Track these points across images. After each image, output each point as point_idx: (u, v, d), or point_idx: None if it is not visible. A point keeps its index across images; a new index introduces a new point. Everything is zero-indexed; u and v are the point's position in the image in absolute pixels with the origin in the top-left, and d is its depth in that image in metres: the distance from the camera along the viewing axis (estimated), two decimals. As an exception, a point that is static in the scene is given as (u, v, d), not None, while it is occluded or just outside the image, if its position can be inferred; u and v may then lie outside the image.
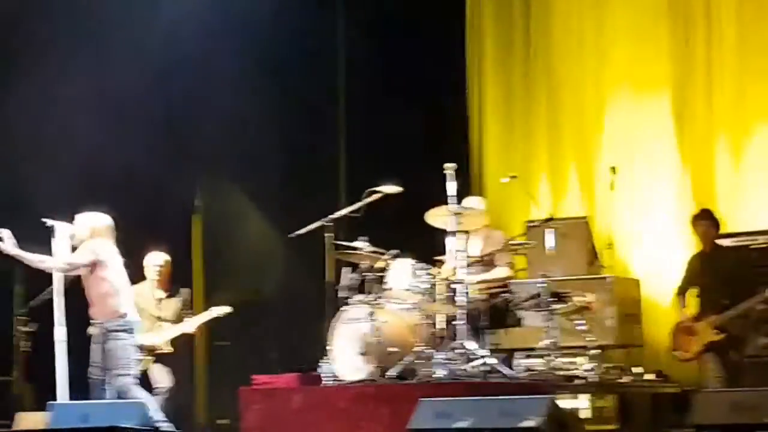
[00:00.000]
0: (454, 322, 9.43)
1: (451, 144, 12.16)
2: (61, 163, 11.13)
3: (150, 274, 10.97)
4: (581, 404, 8.80)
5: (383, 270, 9.83)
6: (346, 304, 9.70)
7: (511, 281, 10.22)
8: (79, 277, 9.58)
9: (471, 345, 9.33)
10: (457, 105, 12.91)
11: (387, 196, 10.01)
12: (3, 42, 11.36)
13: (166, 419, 9.55)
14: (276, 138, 12.59)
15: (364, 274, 9.82)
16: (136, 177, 11.43)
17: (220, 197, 12.82)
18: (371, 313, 9.43)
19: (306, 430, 9.15)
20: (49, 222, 9.45)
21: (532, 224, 10.89)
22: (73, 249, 9.56)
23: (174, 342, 10.83)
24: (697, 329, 9.99)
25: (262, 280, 12.77)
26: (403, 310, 9.67)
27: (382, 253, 9.85)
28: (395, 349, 9.37)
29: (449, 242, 9.66)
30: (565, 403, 8.39)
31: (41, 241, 9.49)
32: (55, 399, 9.14)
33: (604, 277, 11.00)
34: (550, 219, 10.26)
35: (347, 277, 9.83)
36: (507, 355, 10.13)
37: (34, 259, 9.43)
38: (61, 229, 9.48)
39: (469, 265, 9.61)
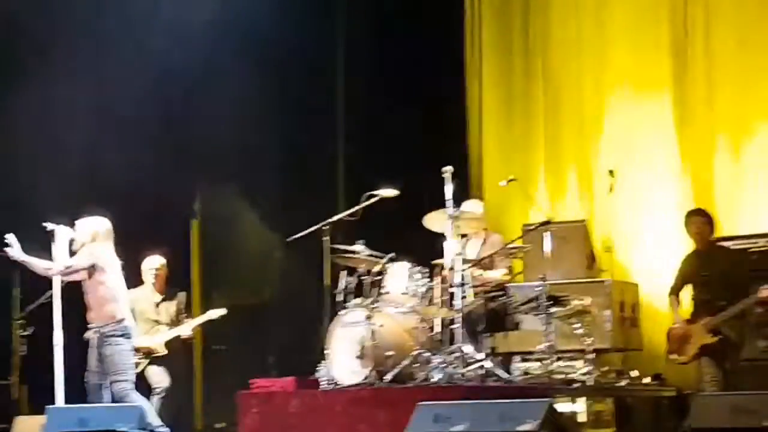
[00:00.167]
0: (451, 326, 9.42)
1: (450, 147, 12.13)
2: (60, 167, 11.14)
3: (147, 277, 11.01)
4: (579, 408, 8.79)
5: (381, 273, 9.82)
6: (344, 307, 9.69)
7: (509, 285, 10.22)
8: (78, 281, 9.58)
9: (468, 348, 9.33)
10: (456, 107, 12.89)
11: (385, 200, 10.01)
12: (5, 45, 11.36)
13: (162, 424, 9.55)
14: (274, 141, 12.59)
15: (361, 277, 9.82)
16: (136, 181, 11.43)
17: (218, 201, 12.82)
18: (369, 317, 9.42)
19: (303, 433, 9.16)
20: (50, 226, 9.45)
21: (530, 227, 10.87)
22: (73, 253, 9.56)
23: (170, 345, 10.83)
24: (691, 332, 9.92)
25: (260, 284, 12.77)
26: (401, 314, 9.65)
27: (380, 257, 9.84)
28: (393, 353, 9.35)
29: (447, 246, 9.65)
30: (562, 406, 8.37)
31: (43, 245, 9.49)
32: (53, 403, 9.11)
33: (603, 281, 10.98)
34: (548, 222, 10.23)
35: (345, 280, 9.83)
36: (505, 359, 10.10)
37: (40, 265, 9.44)
38: (61, 233, 9.47)
39: (467, 269, 9.60)
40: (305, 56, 12.52)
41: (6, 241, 9.37)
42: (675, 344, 10.04)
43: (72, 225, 9.60)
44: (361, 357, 9.36)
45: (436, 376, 9.12)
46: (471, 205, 10.41)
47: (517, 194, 11.65)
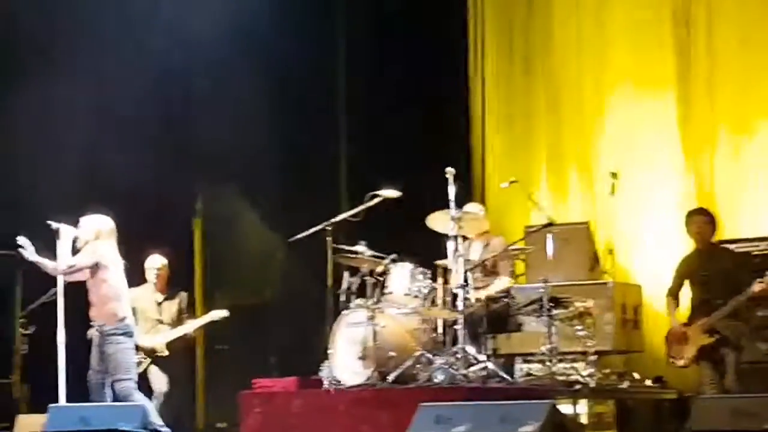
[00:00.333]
0: (454, 327, 9.42)
1: (452, 148, 12.13)
2: (63, 167, 11.14)
3: (149, 277, 11.01)
4: (580, 410, 8.79)
5: (383, 274, 9.83)
6: (346, 308, 9.69)
7: (512, 286, 10.21)
8: (83, 281, 9.59)
9: (471, 350, 9.33)
10: (458, 108, 12.88)
11: (387, 200, 10.01)
12: (6, 46, 11.36)
13: (163, 424, 9.56)
14: (276, 141, 12.58)
15: (364, 278, 9.82)
16: (138, 181, 11.43)
17: (221, 201, 12.82)
18: (371, 318, 9.42)
19: (306, 434, 9.17)
20: (54, 225, 9.45)
21: (532, 229, 10.86)
22: (76, 251, 9.57)
23: (171, 345, 10.85)
24: (688, 334, 9.87)
25: (262, 284, 12.77)
26: (403, 315, 9.66)
27: (382, 258, 9.85)
28: (395, 354, 9.36)
29: (450, 247, 9.65)
30: (564, 408, 8.37)
31: (45, 243, 9.50)
32: (54, 401, 9.12)
33: (605, 283, 10.99)
34: (551, 224, 10.23)
35: (347, 281, 9.83)
36: (507, 360, 10.10)
37: (50, 265, 9.47)
38: (65, 232, 9.48)
39: (470, 270, 9.60)
40: (306, 56, 12.51)
41: (18, 243, 9.38)
42: (673, 347, 9.99)
43: (75, 224, 9.61)
44: (363, 358, 9.37)
45: (438, 377, 9.13)
46: (474, 207, 10.40)
47: (519, 196, 11.64)
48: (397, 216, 10.34)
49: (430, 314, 9.65)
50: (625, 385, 10.10)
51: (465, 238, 10.00)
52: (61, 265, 9.45)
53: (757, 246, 10.74)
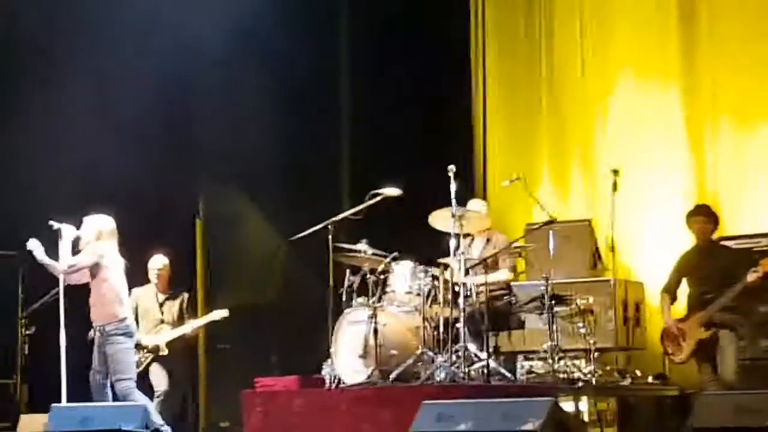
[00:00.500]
0: (455, 325, 9.42)
1: (454, 146, 12.13)
2: (64, 167, 11.14)
3: (151, 277, 11.02)
4: (582, 407, 8.78)
5: (385, 272, 9.82)
6: (348, 306, 9.69)
7: (513, 284, 10.21)
8: (85, 283, 9.60)
9: (472, 348, 9.33)
10: (461, 107, 12.89)
11: (389, 199, 10.00)
12: (6, 46, 11.37)
13: (163, 423, 9.56)
14: (278, 141, 12.58)
15: (365, 276, 9.81)
16: (140, 180, 11.44)
17: (222, 201, 12.82)
18: (372, 316, 9.42)
19: (307, 432, 9.17)
20: (56, 225, 9.46)
21: (533, 226, 10.86)
22: (77, 252, 9.57)
23: (172, 344, 10.85)
24: (685, 329, 9.86)
25: (264, 283, 12.77)
26: (405, 313, 9.67)
27: (384, 256, 9.84)
28: (396, 352, 9.36)
29: (452, 244, 9.65)
30: (566, 405, 8.37)
31: (48, 244, 9.50)
32: (55, 402, 9.12)
33: (607, 280, 10.98)
34: (552, 221, 10.22)
35: (349, 279, 9.82)
36: (508, 358, 10.10)
37: (58, 267, 9.45)
38: (66, 232, 9.48)
39: (472, 268, 9.60)
40: (308, 56, 12.52)
41: (27, 245, 9.38)
42: (670, 344, 9.97)
43: (77, 224, 9.61)
44: (364, 356, 9.37)
45: (440, 375, 9.14)
46: (476, 205, 10.39)
47: (520, 194, 11.62)
48: (398, 214, 10.34)
49: (432, 312, 9.64)
50: (626, 382, 10.09)
51: (467, 235, 10.00)
52: (62, 264, 9.45)
53: (758, 242, 10.73)
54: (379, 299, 9.68)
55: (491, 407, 7.63)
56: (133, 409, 8.70)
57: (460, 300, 9.37)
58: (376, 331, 9.35)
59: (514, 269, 10.31)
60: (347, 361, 9.45)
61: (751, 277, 9.51)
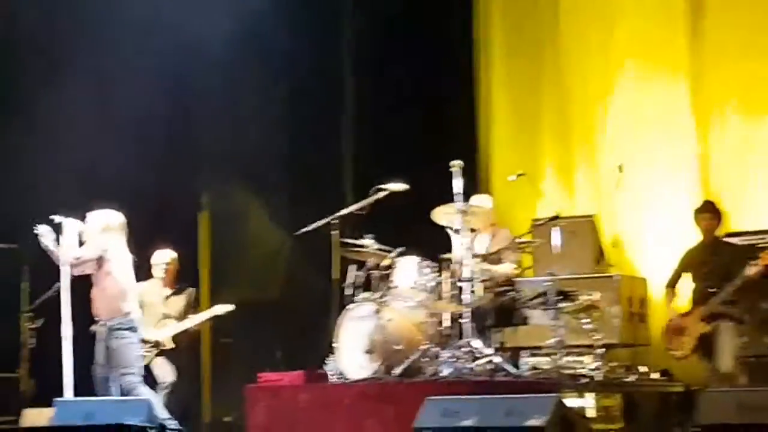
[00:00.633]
0: (460, 320, 9.41)
1: (459, 141, 12.13)
2: (68, 164, 11.14)
3: (157, 271, 11.06)
4: (587, 403, 8.78)
5: (389, 268, 9.82)
6: (353, 301, 9.69)
7: (518, 279, 10.21)
8: (89, 275, 9.59)
9: (477, 343, 9.32)
10: (465, 102, 12.89)
11: (393, 194, 10.00)
12: (6, 46, 11.37)
13: (170, 416, 9.56)
14: (282, 136, 12.60)
15: (370, 271, 9.81)
16: (142, 179, 11.44)
17: (226, 195, 12.83)
18: (377, 311, 9.42)
19: (312, 427, 9.15)
20: (57, 219, 9.45)
21: (538, 222, 10.86)
22: (82, 244, 9.58)
23: (177, 338, 10.86)
24: (686, 324, 9.85)
25: (268, 278, 12.78)
26: (409, 308, 9.66)
27: (388, 251, 9.84)
28: (401, 347, 9.36)
29: (456, 240, 9.64)
30: (570, 401, 8.36)
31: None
32: (60, 395, 9.13)
33: (611, 276, 10.97)
34: (557, 217, 10.23)
35: (353, 274, 9.82)
36: (513, 354, 10.10)
37: (61, 257, 9.45)
38: (69, 226, 9.48)
39: (476, 263, 9.60)
40: (310, 55, 12.52)
41: (35, 232, 9.37)
42: (672, 339, 9.97)
43: (82, 219, 9.61)
44: (369, 351, 9.36)
45: (445, 371, 9.13)
46: (479, 200, 10.39)
47: (525, 190, 11.63)
48: (403, 209, 10.33)
49: (437, 308, 9.64)
50: (631, 378, 10.08)
51: (471, 230, 9.99)
52: (68, 257, 9.43)
53: (763, 239, 10.72)
54: (384, 294, 9.67)
55: (496, 403, 7.63)
56: (137, 403, 8.70)
57: (465, 296, 9.36)
58: (380, 326, 9.34)
59: (519, 264, 10.31)
60: (352, 356, 9.44)
61: (750, 270, 9.52)
